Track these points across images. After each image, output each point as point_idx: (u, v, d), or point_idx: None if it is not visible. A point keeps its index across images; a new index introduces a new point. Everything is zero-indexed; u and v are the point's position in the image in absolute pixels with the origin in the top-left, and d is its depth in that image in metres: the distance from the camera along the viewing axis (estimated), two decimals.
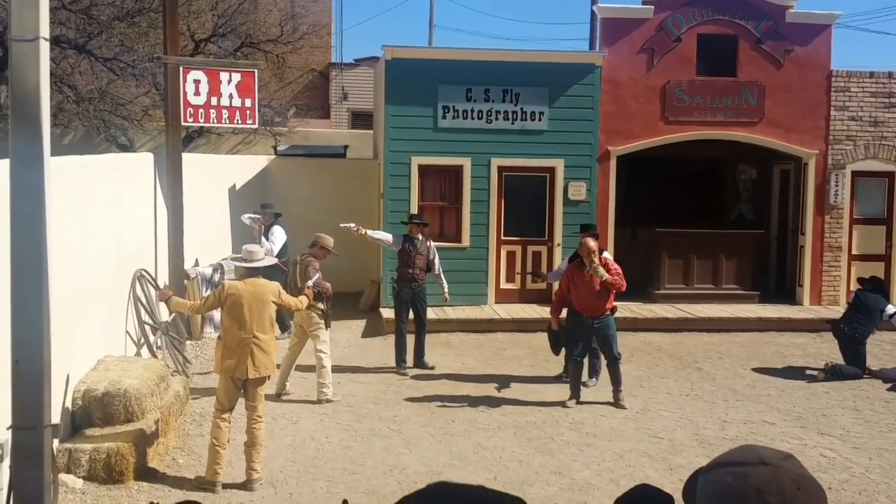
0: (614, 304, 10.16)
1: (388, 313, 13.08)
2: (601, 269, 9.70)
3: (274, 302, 7.79)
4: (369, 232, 11.57)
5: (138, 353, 10.30)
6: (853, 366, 11.44)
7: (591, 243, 9.84)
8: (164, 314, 11.36)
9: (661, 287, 15.33)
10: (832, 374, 11.37)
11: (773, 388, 11.08)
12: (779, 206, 16.75)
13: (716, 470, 1.62)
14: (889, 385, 11.16)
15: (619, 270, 9.94)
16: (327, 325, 10.23)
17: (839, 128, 15.40)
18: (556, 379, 11.11)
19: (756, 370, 11.94)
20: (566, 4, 72.41)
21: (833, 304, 15.13)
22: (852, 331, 11.56)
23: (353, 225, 11.33)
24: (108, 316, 9.55)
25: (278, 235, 13.24)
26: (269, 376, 7.84)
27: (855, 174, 15.51)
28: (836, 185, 15.38)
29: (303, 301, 8.71)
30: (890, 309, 11.73)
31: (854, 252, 15.62)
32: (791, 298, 15.67)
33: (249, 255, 7.97)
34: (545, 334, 10.95)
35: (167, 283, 11.99)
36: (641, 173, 16.04)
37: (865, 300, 11.68)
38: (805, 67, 15.27)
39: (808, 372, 11.73)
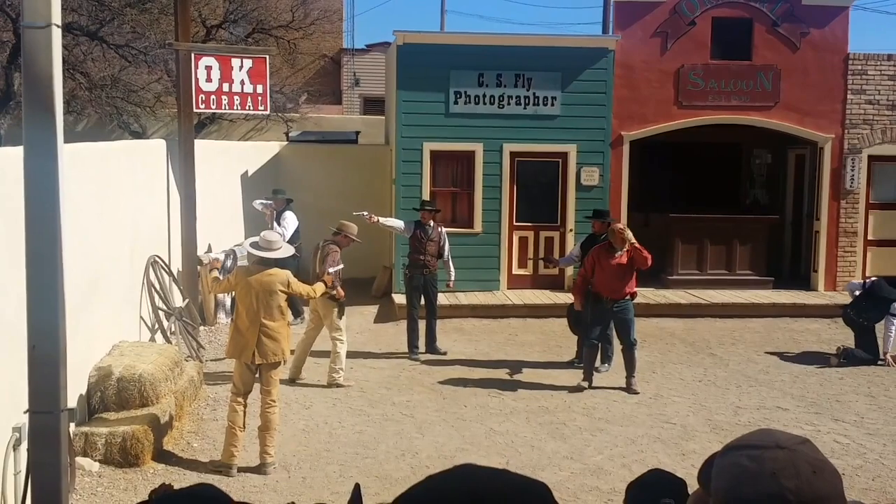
0: (635, 289, 10.18)
1: (400, 299, 13.10)
2: (629, 233, 9.85)
3: (283, 291, 7.75)
4: (381, 219, 11.59)
5: (152, 339, 10.36)
6: (866, 352, 11.39)
7: (620, 225, 10.12)
8: (177, 300, 11.42)
9: (674, 273, 15.29)
10: (846, 357, 11.32)
11: (786, 373, 11.05)
12: (794, 191, 16.65)
13: (731, 453, 1.62)
14: None
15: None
16: (340, 315, 10.25)
17: (856, 111, 15.27)
18: (569, 364, 11.12)
19: (770, 356, 11.90)
20: None
21: None
22: (857, 315, 11.52)
23: (365, 213, 11.35)
24: (123, 301, 9.60)
25: (290, 221, 13.26)
26: (280, 362, 7.84)
27: (871, 158, 15.38)
28: (852, 170, 15.27)
29: (317, 289, 8.70)
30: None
31: (870, 237, 15.52)
32: (806, 284, 15.60)
33: (268, 243, 7.87)
34: (558, 320, 10.98)
35: (180, 269, 12.04)
36: (655, 158, 15.97)
37: (878, 288, 11.59)
38: (821, 50, 15.13)
39: (826, 356, 11.66)
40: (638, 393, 9.99)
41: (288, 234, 12.85)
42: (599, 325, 10.09)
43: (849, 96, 15.23)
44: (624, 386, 10.12)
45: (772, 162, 17.18)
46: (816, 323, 13.79)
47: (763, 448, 1.57)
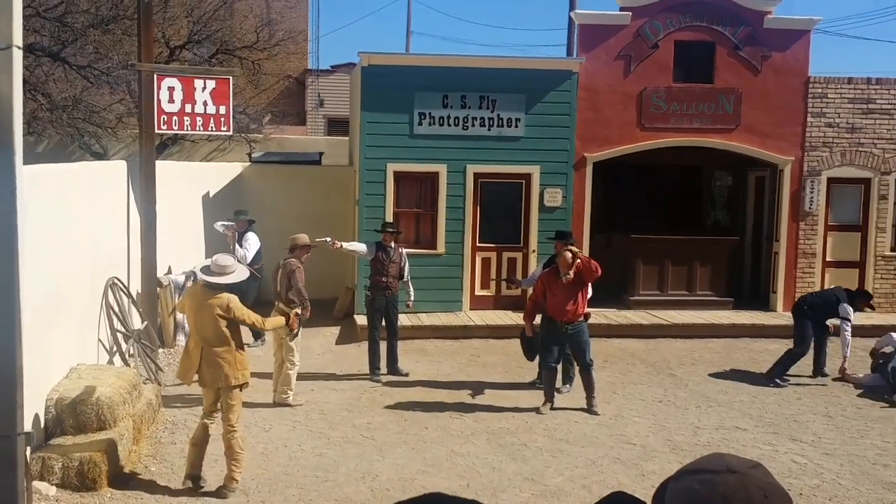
0: (588, 310, 10.20)
1: (362, 320, 13.05)
2: (574, 248, 9.95)
3: (221, 316, 7.39)
4: (344, 244, 11.54)
5: (111, 362, 10.23)
6: (798, 342, 11.63)
7: (569, 255, 9.87)
8: (136, 323, 11.29)
9: (635, 293, 15.40)
10: (778, 376, 11.50)
11: (745, 394, 11.15)
12: (754, 213, 16.86)
13: (683, 478, 1.63)
14: (860, 391, 11.26)
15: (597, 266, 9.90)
16: (293, 336, 10.03)
17: (816, 134, 15.48)
18: (530, 385, 11.13)
19: (729, 376, 12.00)
20: (544, 11, 72.75)
21: None
22: (802, 300, 11.95)
23: (328, 239, 11.30)
24: (81, 324, 9.48)
25: (252, 242, 13.19)
26: (227, 386, 7.45)
27: (831, 181, 15.59)
28: (812, 192, 15.48)
29: (269, 322, 8.40)
30: (845, 310, 11.50)
31: (828, 259, 15.73)
32: (765, 305, 15.78)
33: (220, 268, 7.57)
34: (519, 341, 10.97)
35: (139, 292, 11.92)
36: (617, 180, 16.13)
37: (836, 289, 12.02)
38: (782, 73, 15.34)
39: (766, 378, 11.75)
40: (599, 414, 10.01)
41: (250, 256, 12.80)
42: (555, 347, 10.08)
43: (809, 119, 15.45)
44: (585, 407, 10.15)
45: (733, 184, 17.40)
46: (776, 343, 13.89)
47: (715, 472, 1.58)
